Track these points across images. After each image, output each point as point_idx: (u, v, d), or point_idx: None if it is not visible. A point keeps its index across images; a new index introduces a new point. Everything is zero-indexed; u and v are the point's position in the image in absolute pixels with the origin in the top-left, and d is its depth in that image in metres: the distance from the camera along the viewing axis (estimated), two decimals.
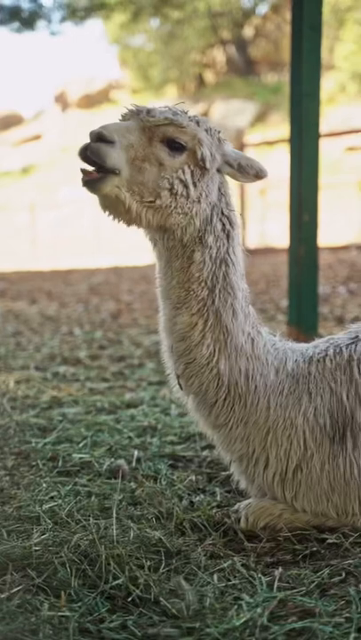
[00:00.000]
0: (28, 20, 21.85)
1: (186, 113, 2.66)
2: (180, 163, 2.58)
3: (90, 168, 2.52)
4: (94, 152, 2.47)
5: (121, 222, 2.64)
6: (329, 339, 2.91)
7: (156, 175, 2.55)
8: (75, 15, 23.92)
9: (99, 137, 2.48)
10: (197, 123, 2.64)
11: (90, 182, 2.52)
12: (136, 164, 2.53)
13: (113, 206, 2.58)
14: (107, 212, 2.62)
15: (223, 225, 2.68)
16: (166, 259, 2.72)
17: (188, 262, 2.66)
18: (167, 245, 2.69)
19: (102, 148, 2.47)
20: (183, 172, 2.58)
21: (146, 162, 2.54)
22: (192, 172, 2.60)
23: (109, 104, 47.36)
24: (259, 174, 2.71)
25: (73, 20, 24.12)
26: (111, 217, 2.62)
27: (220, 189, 2.70)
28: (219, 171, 2.70)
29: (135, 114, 2.62)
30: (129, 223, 2.63)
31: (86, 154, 2.49)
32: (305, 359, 2.79)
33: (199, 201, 2.62)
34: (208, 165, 2.61)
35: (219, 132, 2.71)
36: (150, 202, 2.56)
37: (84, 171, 2.52)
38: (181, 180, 2.57)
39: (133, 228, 2.67)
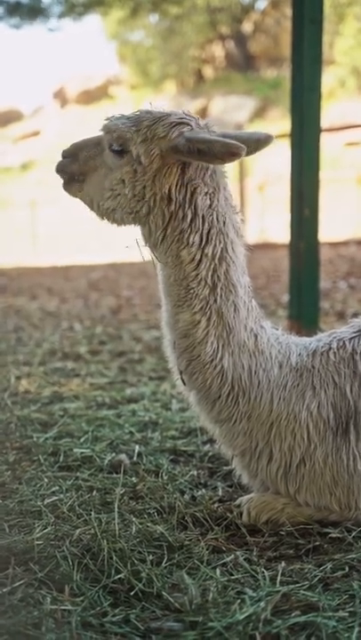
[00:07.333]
0: (27, 16, 21.77)
1: (143, 113, 2.68)
2: (121, 164, 2.67)
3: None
4: (58, 167, 2.87)
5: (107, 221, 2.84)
6: (332, 332, 2.90)
7: (106, 179, 2.72)
8: (73, 11, 23.81)
9: (63, 154, 2.86)
10: (137, 122, 2.64)
11: (63, 184, 2.88)
12: (98, 172, 2.76)
13: (86, 206, 2.86)
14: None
15: (210, 223, 2.61)
16: (158, 256, 2.73)
17: (179, 260, 2.65)
18: (149, 244, 2.73)
19: (62, 163, 2.85)
20: (123, 173, 2.66)
21: (102, 169, 2.74)
22: (134, 170, 2.64)
23: (108, 100, 47.26)
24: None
25: (71, 16, 24.00)
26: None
27: (190, 187, 2.59)
28: (186, 166, 2.59)
29: None
30: (108, 222, 2.83)
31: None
32: (308, 353, 2.78)
33: (143, 198, 2.63)
34: (144, 162, 2.61)
35: (174, 125, 2.59)
36: (103, 204, 2.74)
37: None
38: (120, 180, 2.67)
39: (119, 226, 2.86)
